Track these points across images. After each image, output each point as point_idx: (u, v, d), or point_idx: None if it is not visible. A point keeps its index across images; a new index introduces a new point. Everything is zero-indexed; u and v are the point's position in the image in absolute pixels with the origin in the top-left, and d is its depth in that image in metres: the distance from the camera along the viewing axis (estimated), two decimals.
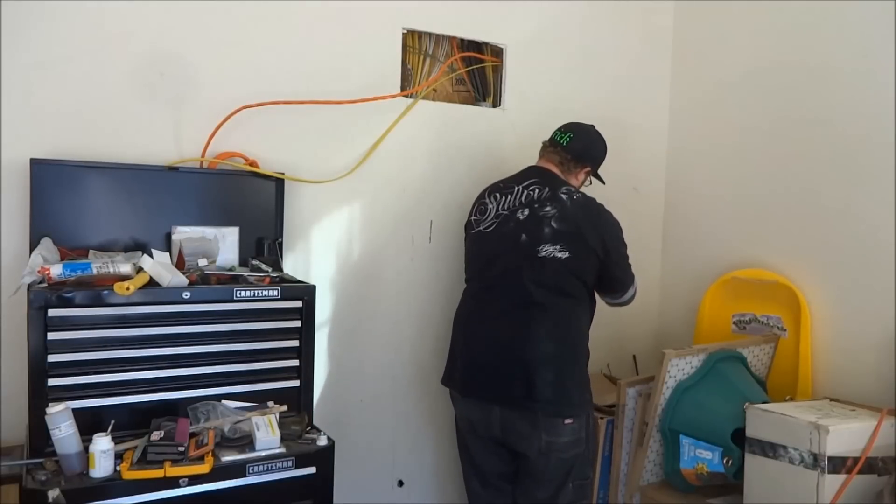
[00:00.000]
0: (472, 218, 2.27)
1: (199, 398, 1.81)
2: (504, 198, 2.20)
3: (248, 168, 2.16)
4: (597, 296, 2.25)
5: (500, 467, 2.20)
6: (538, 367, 2.03)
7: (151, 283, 1.74)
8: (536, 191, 2.16)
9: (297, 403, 1.96)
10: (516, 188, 2.20)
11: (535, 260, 2.07)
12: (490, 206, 2.22)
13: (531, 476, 2.11)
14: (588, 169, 2.29)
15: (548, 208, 2.11)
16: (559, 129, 2.28)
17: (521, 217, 2.13)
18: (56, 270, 1.64)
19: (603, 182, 2.36)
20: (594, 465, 2.34)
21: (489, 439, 2.17)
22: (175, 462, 1.61)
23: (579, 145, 2.24)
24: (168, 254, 1.96)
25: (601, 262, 2.11)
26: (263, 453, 1.74)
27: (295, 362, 1.96)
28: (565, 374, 2.06)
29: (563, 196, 2.13)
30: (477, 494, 2.26)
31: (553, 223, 2.08)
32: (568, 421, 2.04)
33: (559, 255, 2.06)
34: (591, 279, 2.13)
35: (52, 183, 1.90)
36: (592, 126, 2.32)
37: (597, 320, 2.24)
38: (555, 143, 2.26)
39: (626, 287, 2.22)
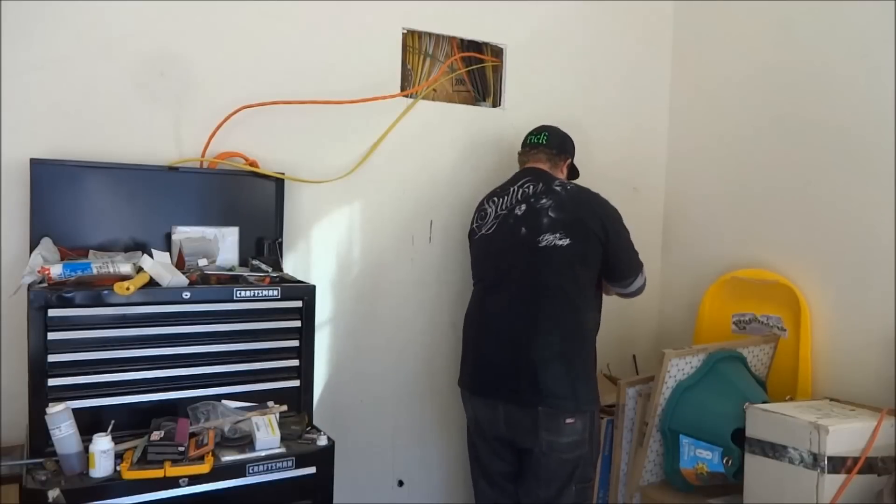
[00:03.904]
0: (474, 225, 2.30)
1: (199, 398, 1.81)
2: (501, 200, 2.23)
3: (248, 168, 2.16)
4: (604, 295, 2.25)
5: (504, 468, 2.21)
6: (542, 363, 2.04)
7: (151, 283, 1.74)
8: (531, 187, 2.19)
9: (297, 403, 1.96)
10: (511, 189, 2.23)
11: (536, 251, 2.09)
12: (489, 210, 2.25)
13: (533, 475, 2.11)
14: (569, 161, 2.37)
15: (544, 200, 2.14)
16: (531, 134, 2.36)
17: (519, 213, 2.16)
18: (56, 270, 1.64)
19: (578, 174, 2.42)
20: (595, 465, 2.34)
21: (494, 439, 2.18)
22: (175, 462, 1.61)
23: (556, 140, 2.33)
24: (168, 254, 1.96)
25: (603, 247, 2.11)
26: (263, 453, 1.74)
27: (295, 362, 1.96)
28: (569, 370, 2.06)
29: (558, 188, 2.17)
30: (484, 494, 2.27)
31: (550, 213, 2.11)
32: (570, 420, 2.04)
33: (560, 242, 2.07)
34: (595, 267, 2.14)
35: (52, 183, 1.91)
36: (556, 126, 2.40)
37: None
38: (535, 145, 2.32)
39: (634, 272, 2.22)
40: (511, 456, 2.19)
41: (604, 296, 2.27)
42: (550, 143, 2.31)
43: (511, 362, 2.08)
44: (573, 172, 2.41)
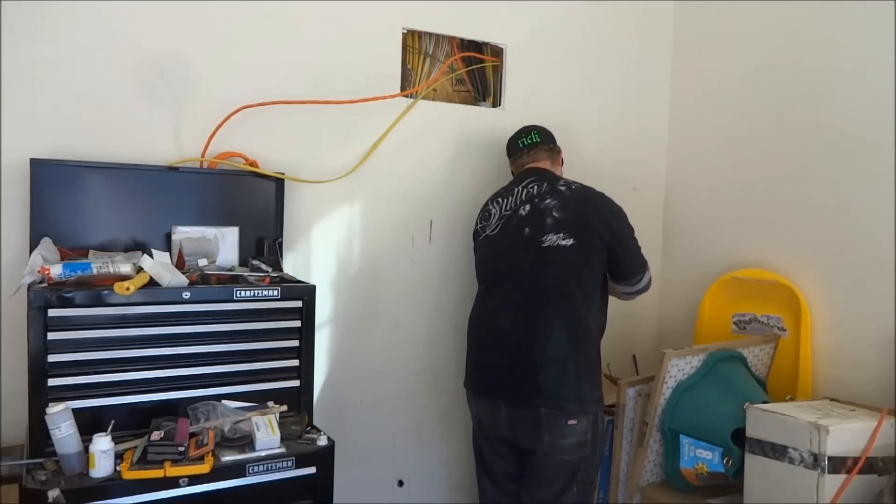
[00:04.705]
0: (479, 226, 2.30)
1: (199, 398, 1.81)
2: (505, 200, 2.23)
3: (248, 168, 2.16)
4: (608, 294, 2.25)
5: (507, 468, 2.21)
6: (544, 364, 2.03)
7: (151, 283, 1.74)
8: (535, 187, 2.19)
9: (297, 403, 1.96)
10: (516, 189, 2.23)
11: (540, 251, 2.08)
12: (493, 210, 2.25)
13: (535, 475, 2.11)
14: (561, 152, 2.39)
15: (548, 200, 2.14)
16: (521, 137, 2.35)
17: (524, 213, 2.16)
18: (56, 270, 1.65)
19: (563, 162, 2.44)
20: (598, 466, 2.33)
21: (496, 439, 2.18)
22: (175, 462, 1.61)
23: (546, 135, 2.36)
24: (168, 254, 1.96)
25: (609, 246, 2.11)
26: (263, 453, 1.74)
27: (295, 362, 1.96)
28: (571, 371, 2.05)
29: (562, 188, 2.17)
30: (487, 493, 2.27)
31: (555, 213, 2.11)
32: (572, 422, 2.03)
33: (563, 242, 2.07)
34: (600, 267, 2.13)
35: (52, 183, 1.91)
36: None
37: None
38: (530, 146, 2.32)
39: (641, 271, 2.22)
40: (513, 456, 2.18)
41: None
42: (544, 139, 2.33)
43: (514, 363, 2.08)
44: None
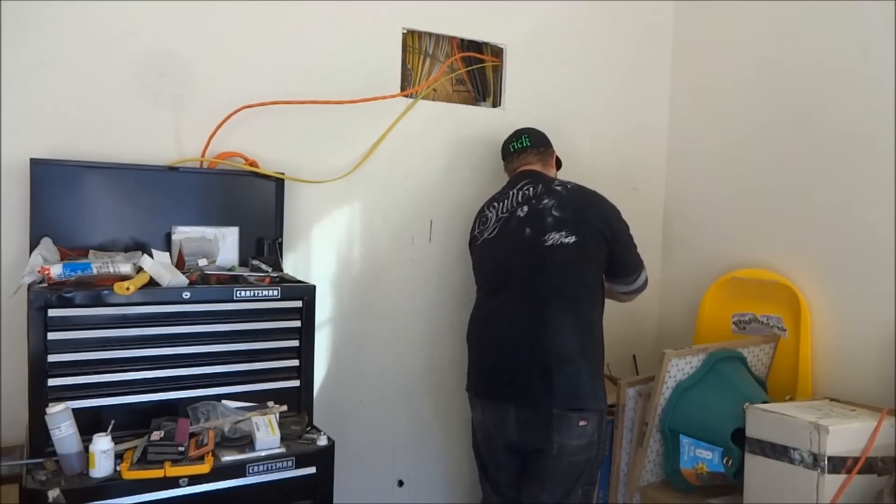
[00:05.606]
0: (475, 231, 2.29)
1: (199, 398, 1.81)
2: (501, 204, 2.22)
3: (248, 168, 2.16)
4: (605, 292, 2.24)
5: (508, 479, 2.19)
6: (556, 364, 2.01)
7: (151, 283, 1.75)
8: (531, 189, 2.19)
9: (297, 403, 1.96)
10: (511, 192, 2.23)
11: (542, 250, 2.07)
12: (490, 215, 2.24)
13: (539, 478, 2.08)
14: (554, 154, 2.38)
15: (546, 200, 2.14)
16: (513, 141, 2.36)
17: (522, 214, 2.15)
18: (56, 270, 1.65)
19: (561, 164, 2.44)
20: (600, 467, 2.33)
21: (502, 448, 2.16)
22: (175, 462, 1.61)
23: (537, 138, 2.35)
24: (168, 254, 1.96)
25: (608, 244, 2.11)
26: (263, 453, 1.74)
27: (295, 362, 1.96)
28: (583, 370, 2.03)
29: (558, 188, 2.17)
30: (489, 495, 2.26)
31: (554, 212, 2.10)
32: (582, 423, 2.01)
33: (566, 240, 2.06)
34: (600, 266, 2.13)
35: (52, 183, 1.91)
36: None
37: None
38: (521, 150, 2.33)
39: (637, 269, 2.22)
40: (516, 465, 2.16)
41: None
42: (534, 143, 2.33)
43: (522, 364, 2.05)
44: (558, 163, 2.43)
